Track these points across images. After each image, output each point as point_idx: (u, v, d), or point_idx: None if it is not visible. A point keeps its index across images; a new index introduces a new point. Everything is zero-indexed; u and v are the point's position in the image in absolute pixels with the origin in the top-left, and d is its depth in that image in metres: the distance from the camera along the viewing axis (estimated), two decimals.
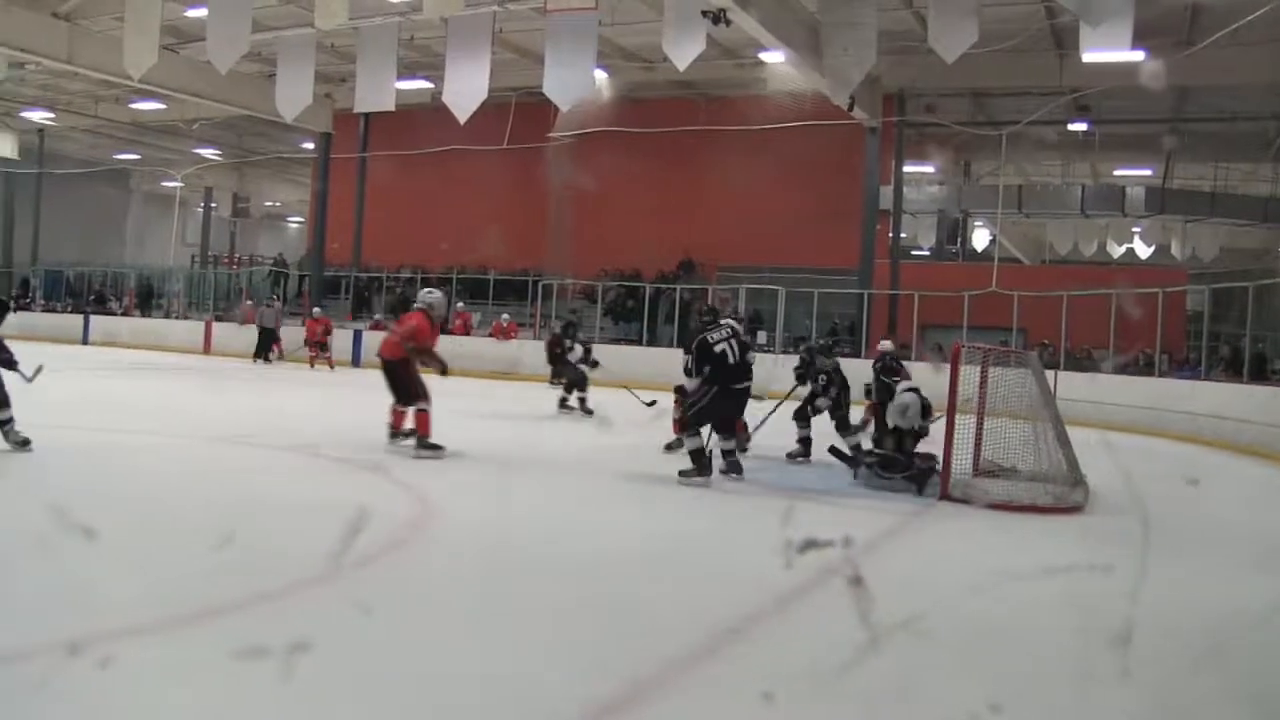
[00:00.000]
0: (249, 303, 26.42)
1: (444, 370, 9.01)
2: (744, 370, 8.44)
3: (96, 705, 3.08)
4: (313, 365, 21.79)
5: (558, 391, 13.63)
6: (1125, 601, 4.54)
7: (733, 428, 8.58)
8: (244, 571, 4.65)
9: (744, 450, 9.25)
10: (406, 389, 8.81)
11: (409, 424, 8.85)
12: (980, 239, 30.73)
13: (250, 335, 23.48)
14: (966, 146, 26.85)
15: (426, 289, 9.52)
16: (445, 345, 9.72)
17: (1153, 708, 3.53)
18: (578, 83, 15.13)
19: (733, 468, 8.39)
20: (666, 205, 24.87)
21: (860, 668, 3.44)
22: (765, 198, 23.42)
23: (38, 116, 30.22)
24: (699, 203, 24.55)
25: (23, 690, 3.17)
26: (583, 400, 13.28)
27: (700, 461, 8.08)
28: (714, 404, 8.31)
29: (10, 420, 7.45)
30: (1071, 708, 3.57)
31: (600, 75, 20.59)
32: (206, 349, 25.52)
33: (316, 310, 23.17)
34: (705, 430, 8.35)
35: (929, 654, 4.00)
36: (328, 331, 22.23)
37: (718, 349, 8.28)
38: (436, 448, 8.53)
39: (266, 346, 22.78)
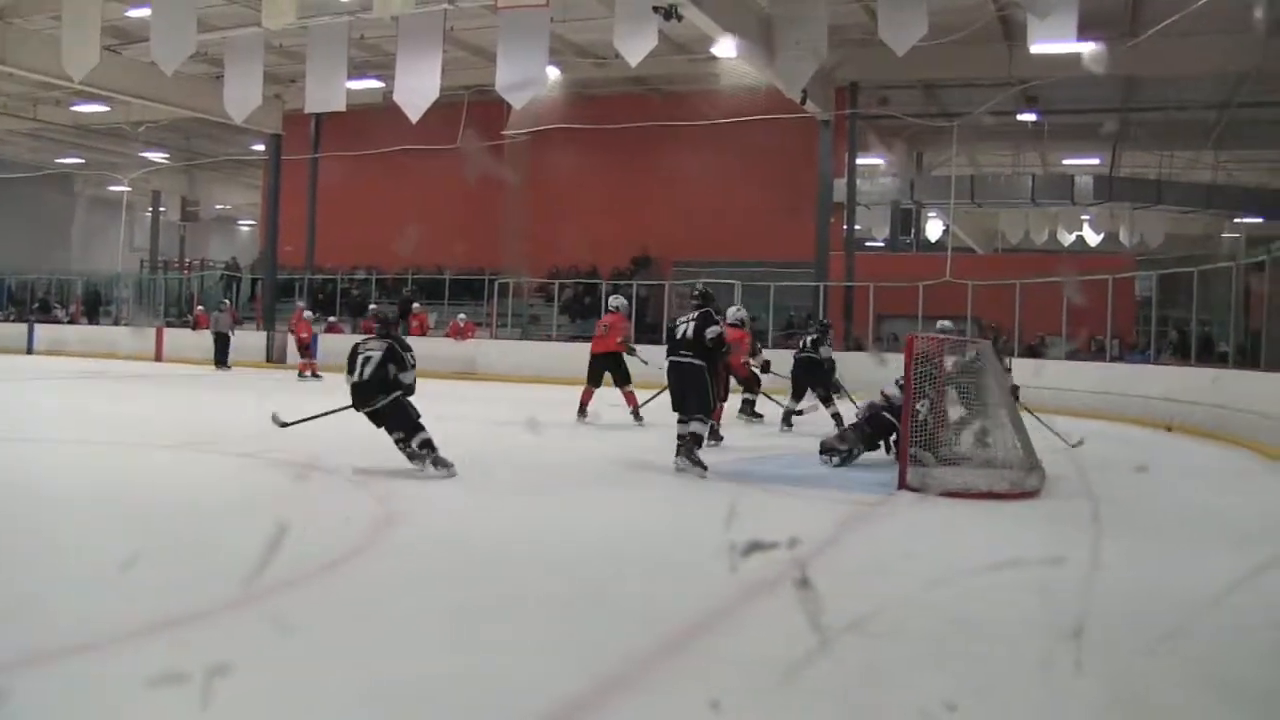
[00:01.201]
0: (200, 308, 26.11)
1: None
2: (682, 343, 8.52)
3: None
4: (302, 374, 19.83)
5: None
6: (1083, 587, 4.60)
7: (681, 407, 8.52)
8: (197, 580, 4.59)
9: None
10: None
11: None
12: (934, 229, 31.04)
13: (204, 341, 23.18)
14: (919, 138, 27.11)
15: (615, 295, 13.20)
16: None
17: (1113, 694, 3.57)
18: (530, 80, 15.03)
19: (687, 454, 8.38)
20: (621, 202, 24.89)
21: (823, 660, 3.45)
22: (720, 192, 23.51)
23: None
24: (654, 199, 24.59)
25: None
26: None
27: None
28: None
29: None
30: (1033, 696, 3.61)
31: (553, 72, 20.51)
32: (159, 356, 25.14)
33: (308, 313, 21.61)
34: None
35: (891, 647, 4.03)
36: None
37: (678, 330, 8.63)
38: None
39: (224, 353, 22.36)
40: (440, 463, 7.74)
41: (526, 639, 4.05)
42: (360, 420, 7.92)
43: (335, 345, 20.26)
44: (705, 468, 8.20)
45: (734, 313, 11.85)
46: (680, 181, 23.91)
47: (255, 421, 10.32)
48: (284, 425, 8.12)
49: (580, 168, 24.77)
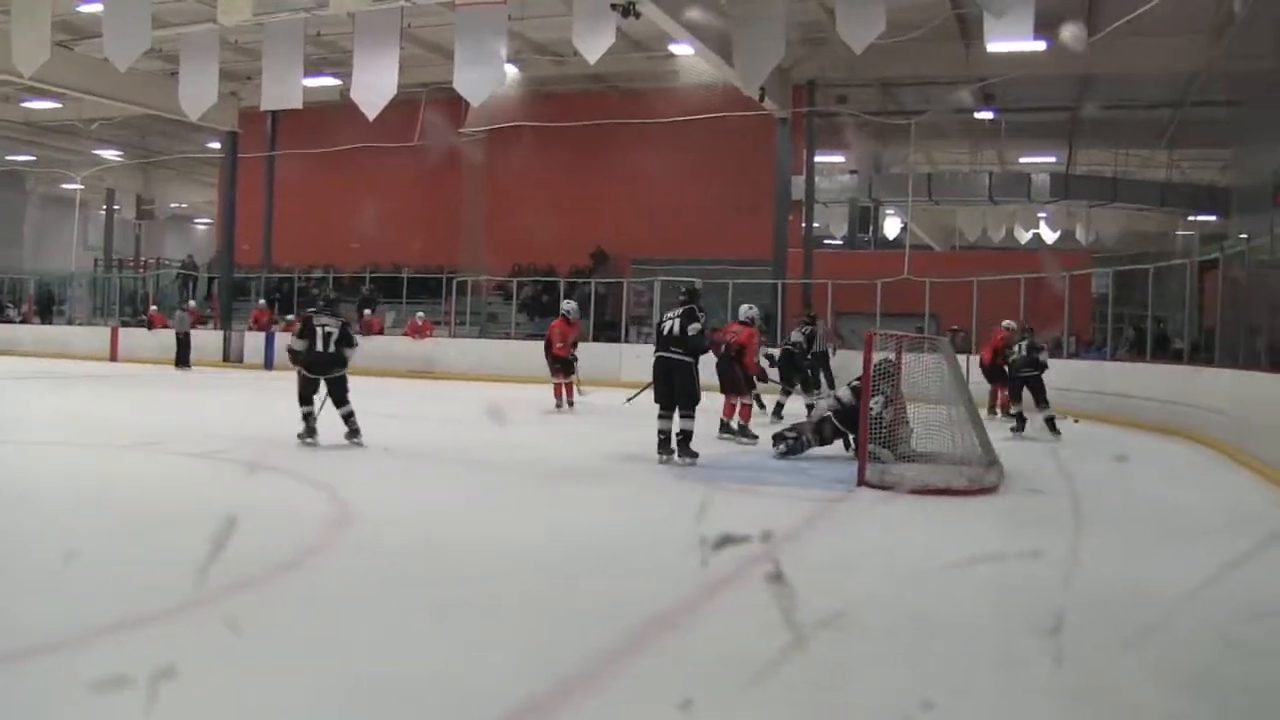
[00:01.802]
0: (154, 307, 25.81)
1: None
2: (670, 339, 8.78)
3: None
4: None
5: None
6: (1049, 583, 4.64)
7: (668, 402, 8.79)
8: (153, 582, 4.52)
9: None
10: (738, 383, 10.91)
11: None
12: (891, 227, 31.25)
13: (160, 341, 22.85)
14: (876, 136, 27.26)
15: (567, 300, 15.08)
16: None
17: (1084, 688, 3.59)
18: (488, 77, 14.99)
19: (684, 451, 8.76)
20: (580, 199, 24.85)
21: (788, 660, 3.45)
22: (678, 190, 23.53)
23: None
24: (612, 196, 24.57)
25: None
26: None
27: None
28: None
29: None
30: (1001, 692, 3.63)
31: (511, 69, 20.43)
32: (114, 356, 24.77)
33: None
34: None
35: (856, 643, 4.04)
36: None
37: (665, 326, 8.88)
38: (753, 436, 10.45)
39: (185, 353, 22.15)
40: (357, 433, 8.97)
41: (490, 638, 4.02)
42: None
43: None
44: (697, 455, 8.70)
45: (745, 310, 11.66)
46: (638, 179, 23.89)
47: (216, 421, 10.23)
48: None
49: (538, 165, 24.70)
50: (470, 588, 4.79)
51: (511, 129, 23.27)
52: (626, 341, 21.34)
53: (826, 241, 29.39)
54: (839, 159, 28.05)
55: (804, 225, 22.71)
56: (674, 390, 8.68)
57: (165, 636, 3.88)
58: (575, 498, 7.48)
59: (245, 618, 4.03)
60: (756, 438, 10.45)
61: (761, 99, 18.86)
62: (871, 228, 30.18)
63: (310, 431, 9.05)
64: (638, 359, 16.57)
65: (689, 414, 8.66)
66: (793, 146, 21.39)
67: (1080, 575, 4.91)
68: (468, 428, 11.88)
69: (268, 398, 11.67)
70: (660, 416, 8.77)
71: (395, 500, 7.07)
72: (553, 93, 24.39)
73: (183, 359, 22.10)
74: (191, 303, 24.90)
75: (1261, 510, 7.69)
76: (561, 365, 14.14)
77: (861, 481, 7.85)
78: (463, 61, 14.81)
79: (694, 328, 8.67)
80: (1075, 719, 3.41)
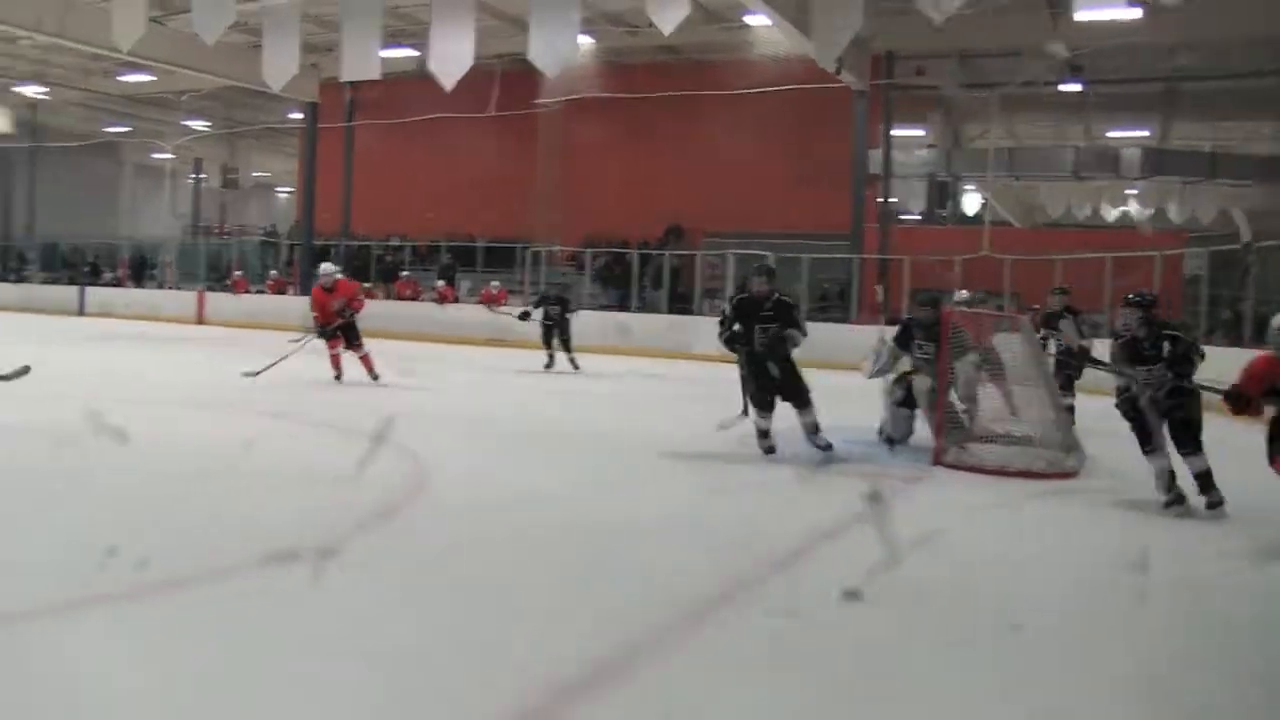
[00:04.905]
0: (239, 273, 26.44)
1: None
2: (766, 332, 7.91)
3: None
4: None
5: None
6: (1123, 571, 4.55)
7: (762, 401, 8.02)
8: (213, 541, 4.66)
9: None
10: None
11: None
12: (971, 203, 30.58)
13: (244, 305, 23.32)
14: (956, 109, 26.70)
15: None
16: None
17: (1152, 683, 3.53)
18: (562, 49, 15.01)
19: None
20: (652, 171, 24.72)
21: (854, 631, 3.43)
22: (753, 163, 23.30)
23: (30, 91, 30.11)
24: (685, 169, 24.35)
25: None
26: None
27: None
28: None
29: None
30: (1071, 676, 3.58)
31: (585, 41, 20.42)
32: (200, 319, 25.43)
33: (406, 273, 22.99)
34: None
35: (917, 623, 4.01)
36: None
37: (758, 314, 7.92)
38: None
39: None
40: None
41: (538, 606, 4.09)
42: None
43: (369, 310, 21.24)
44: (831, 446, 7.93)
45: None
46: (712, 151, 23.69)
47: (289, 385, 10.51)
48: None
49: (612, 137, 24.66)
50: (541, 556, 4.88)
51: (586, 100, 23.24)
52: (699, 314, 21.29)
53: (903, 216, 28.89)
54: (918, 133, 27.52)
55: (881, 200, 22.36)
56: (777, 388, 7.96)
57: (215, 594, 4.00)
58: (654, 471, 7.48)
59: (307, 580, 4.15)
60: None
61: (838, 71, 18.55)
62: (950, 203, 29.58)
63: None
64: (708, 333, 16.97)
65: (807, 407, 7.92)
66: (869, 120, 21.03)
67: (1160, 564, 4.80)
68: (538, 396, 12.02)
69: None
70: (761, 417, 8.03)
71: (471, 468, 7.16)
72: (626, 64, 24.30)
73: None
74: (274, 272, 25.06)
75: None
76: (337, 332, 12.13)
77: (937, 461, 7.75)
78: (537, 33, 14.82)
79: (796, 339, 7.89)
80: None
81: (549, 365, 14.90)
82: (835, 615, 4.00)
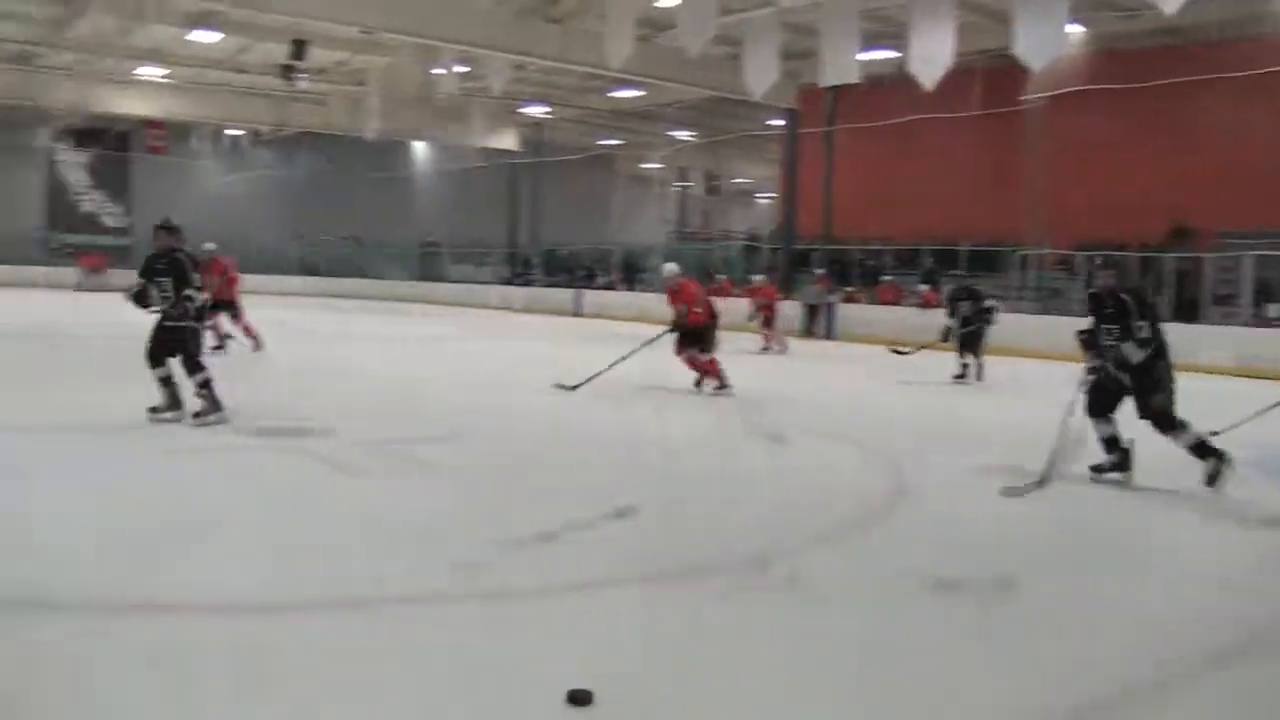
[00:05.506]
0: (722, 277, 26.88)
1: None
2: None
3: None
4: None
5: None
6: None
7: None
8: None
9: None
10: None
11: None
12: None
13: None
14: None
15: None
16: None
17: None
18: (1049, 41, 14.19)
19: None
20: (1153, 166, 22.02)
21: None
22: (1272, 152, 19.94)
23: (535, 111, 33.41)
24: (1193, 162, 21.40)
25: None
26: None
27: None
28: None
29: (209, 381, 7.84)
30: None
31: (1075, 30, 18.70)
32: None
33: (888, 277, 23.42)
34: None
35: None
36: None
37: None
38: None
39: (812, 321, 22.83)
40: None
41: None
42: None
43: (851, 314, 22.68)
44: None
45: None
46: (1225, 142, 20.63)
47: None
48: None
49: (1106, 131, 22.37)
50: None
51: (1076, 93, 21.27)
52: (1205, 323, 18.76)
53: None
54: None
55: None
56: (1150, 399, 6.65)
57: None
58: None
59: None
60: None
61: None
62: None
63: None
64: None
65: (1180, 430, 6.58)
66: None
67: None
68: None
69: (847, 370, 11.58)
70: (1094, 424, 6.86)
71: None
72: (1121, 50, 21.90)
73: (812, 326, 22.77)
74: (818, 272, 24.96)
75: None
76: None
77: None
78: (1022, 25, 14.10)
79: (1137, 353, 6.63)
80: None
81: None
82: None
